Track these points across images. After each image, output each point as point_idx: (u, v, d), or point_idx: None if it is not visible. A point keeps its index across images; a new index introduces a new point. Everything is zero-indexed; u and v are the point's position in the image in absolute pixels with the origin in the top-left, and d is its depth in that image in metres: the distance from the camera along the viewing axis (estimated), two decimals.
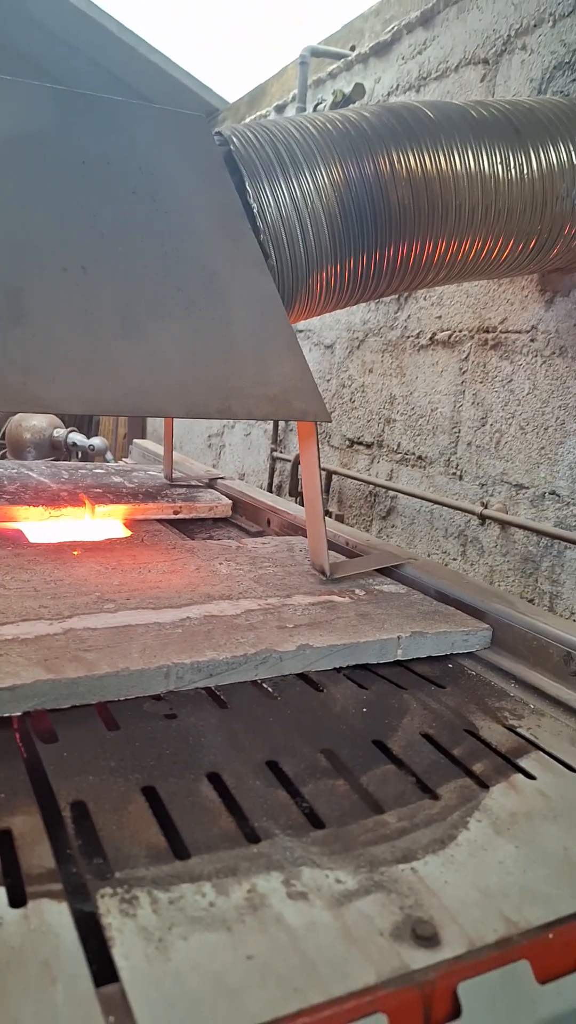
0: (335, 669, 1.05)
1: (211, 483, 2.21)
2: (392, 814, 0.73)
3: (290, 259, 1.35)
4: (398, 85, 2.25)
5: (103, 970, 0.52)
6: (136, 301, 1.10)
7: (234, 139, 1.31)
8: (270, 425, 3.53)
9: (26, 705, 0.82)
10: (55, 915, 0.55)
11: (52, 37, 4.08)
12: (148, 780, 0.73)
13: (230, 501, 2.01)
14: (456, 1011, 0.55)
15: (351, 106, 1.48)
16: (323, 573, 1.33)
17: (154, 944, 0.54)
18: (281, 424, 3.43)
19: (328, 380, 2.87)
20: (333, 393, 2.85)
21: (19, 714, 0.82)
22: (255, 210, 1.29)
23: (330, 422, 1.15)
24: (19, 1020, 0.46)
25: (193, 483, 2.19)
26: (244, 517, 2.03)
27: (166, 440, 2.20)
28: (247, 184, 1.28)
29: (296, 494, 3.08)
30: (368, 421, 2.66)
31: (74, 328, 1.06)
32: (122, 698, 0.89)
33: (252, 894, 0.60)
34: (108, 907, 0.56)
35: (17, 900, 0.56)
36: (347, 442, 2.82)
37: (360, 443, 2.74)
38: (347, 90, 2.35)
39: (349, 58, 2.43)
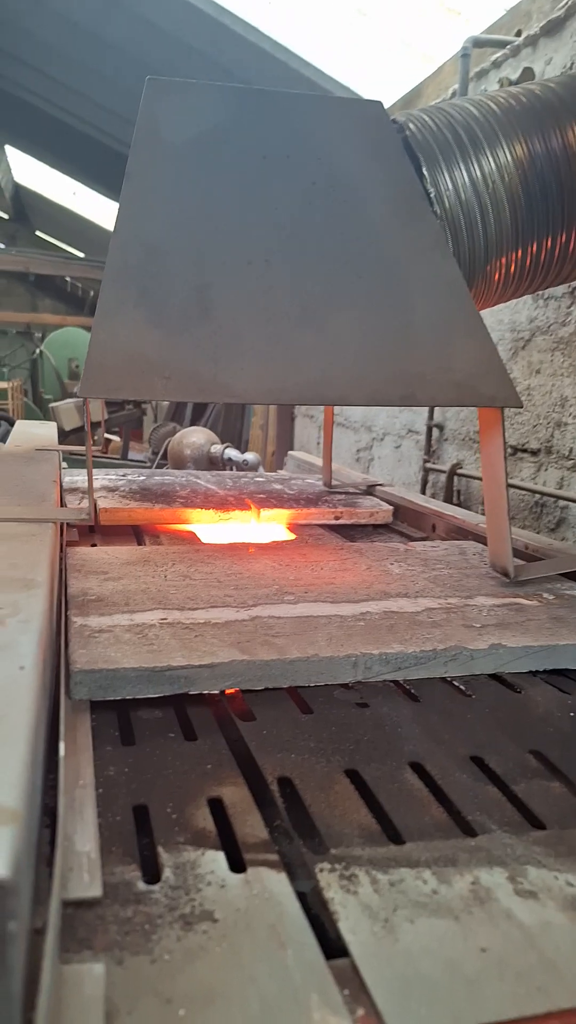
0: (530, 672, 0.98)
1: (369, 489, 2.19)
2: None
3: (468, 246, 1.31)
4: (572, 63, 2.14)
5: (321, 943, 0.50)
6: (316, 291, 1.11)
7: (410, 125, 1.29)
8: (422, 437, 3.47)
9: (223, 684, 0.82)
10: (276, 883, 0.54)
11: (210, 62, 4.28)
12: (350, 763, 0.71)
13: (391, 507, 1.98)
14: None
15: (534, 80, 1.41)
16: (506, 575, 1.26)
17: (380, 923, 0.51)
18: (435, 434, 3.35)
19: None
20: None
21: (216, 692, 0.82)
22: (432, 196, 1.26)
23: (521, 407, 1.09)
24: (255, 979, 0.45)
25: (351, 490, 2.18)
26: (406, 523, 1.99)
27: (325, 446, 2.20)
28: (424, 170, 1.26)
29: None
30: (534, 426, 2.54)
31: (258, 320, 1.07)
32: (311, 684, 0.88)
33: (476, 887, 0.55)
34: (328, 882, 0.54)
35: (236, 866, 0.55)
36: (509, 450, 2.70)
37: (524, 450, 2.62)
38: (514, 76, 2.27)
39: (516, 43, 2.35)
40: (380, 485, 2.21)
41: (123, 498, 1.84)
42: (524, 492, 2.57)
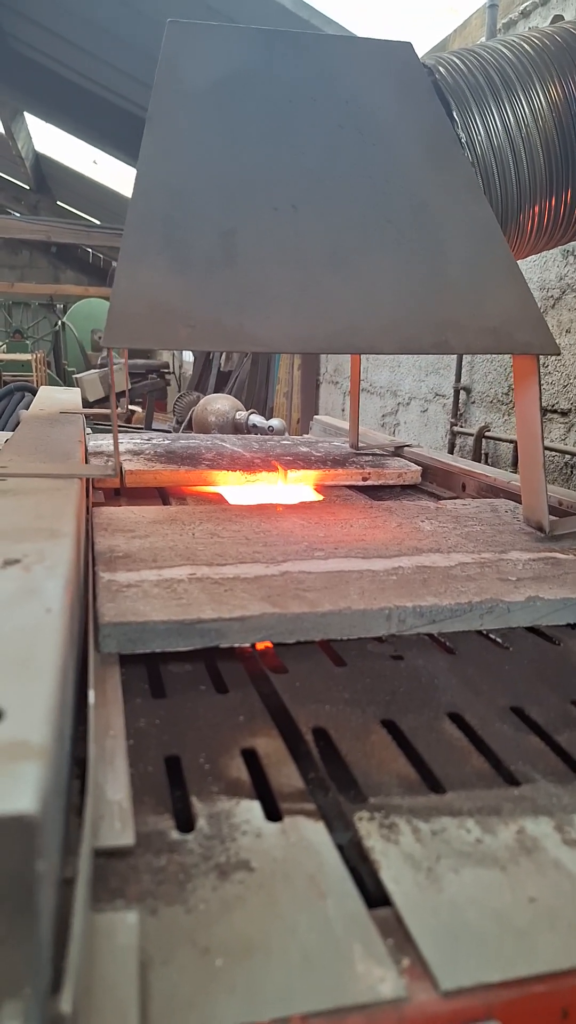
0: (569, 625, 0.95)
1: (397, 451, 2.15)
2: None
3: (500, 194, 1.25)
4: None
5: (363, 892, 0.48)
6: (345, 237, 1.06)
7: (440, 68, 1.23)
8: (449, 400, 3.40)
9: (255, 637, 0.80)
10: (313, 832, 0.52)
11: (229, 20, 4.16)
12: (386, 714, 0.69)
13: (419, 467, 1.93)
14: None
15: (568, 21, 1.34)
16: (540, 530, 1.22)
17: (423, 873, 0.49)
18: (462, 397, 3.29)
19: None
20: None
21: (247, 647, 0.81)
22: (463, 141, 1.21)
23: (559, 354, 1.05)
24: (294, 929, 0.43)
25: (378, 451, 2.14)
26: (435, 483, 1.94)
27: (352, 408, 2.16)
28: (455, 114, 1.20)
29: None
30: (565, 386, 2.47)
31: (285, 267, 1.04)
32: (344, 638, 0.85)
33: (522, 836, 0.53)
34: (368, 831, 0.52)
35: (272, 815, 0.54)
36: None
37: (554, 411, 2.56)
38: (543, 26, 2.18)
39: None
40: (408, 446, 2.16)
41: (148, 461, 1.82)
42: (555, 453, 2.51)
